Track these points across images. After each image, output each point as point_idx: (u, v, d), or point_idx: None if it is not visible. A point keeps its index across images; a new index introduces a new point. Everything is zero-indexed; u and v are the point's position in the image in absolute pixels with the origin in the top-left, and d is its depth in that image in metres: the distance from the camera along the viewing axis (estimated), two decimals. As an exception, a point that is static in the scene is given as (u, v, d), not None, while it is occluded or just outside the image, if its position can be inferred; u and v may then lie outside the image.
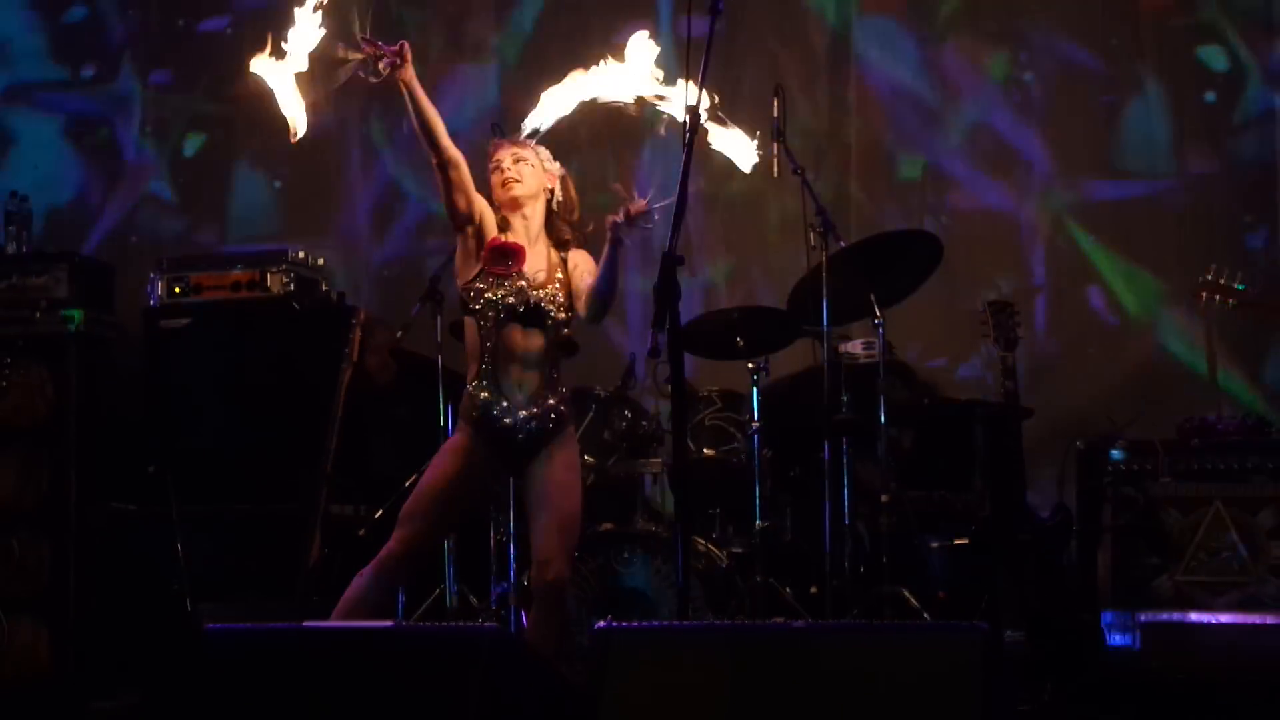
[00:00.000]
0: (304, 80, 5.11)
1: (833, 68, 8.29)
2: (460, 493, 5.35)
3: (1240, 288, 6.91)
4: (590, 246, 5.47)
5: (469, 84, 8.64)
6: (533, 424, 5.26)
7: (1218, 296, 6.89)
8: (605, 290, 5.23)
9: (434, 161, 5.23)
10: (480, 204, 5.35)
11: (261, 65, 5.11)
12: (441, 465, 5.34)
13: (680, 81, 4.88)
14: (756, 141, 5.15)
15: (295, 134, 5.15)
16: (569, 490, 5.28)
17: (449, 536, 6.49)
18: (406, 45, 5.13)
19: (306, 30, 5.07)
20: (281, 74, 5.09)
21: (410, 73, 5.13)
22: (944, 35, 8.27)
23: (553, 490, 5.26)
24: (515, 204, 5.37)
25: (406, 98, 5.14)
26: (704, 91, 4.59)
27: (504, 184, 5.36)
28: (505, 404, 5.26)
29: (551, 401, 5.29)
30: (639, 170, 8.04)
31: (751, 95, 7.93)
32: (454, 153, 5.25)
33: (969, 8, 8.24)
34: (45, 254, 7.82)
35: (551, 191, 5.44)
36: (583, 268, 5.37)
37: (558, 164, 5.49)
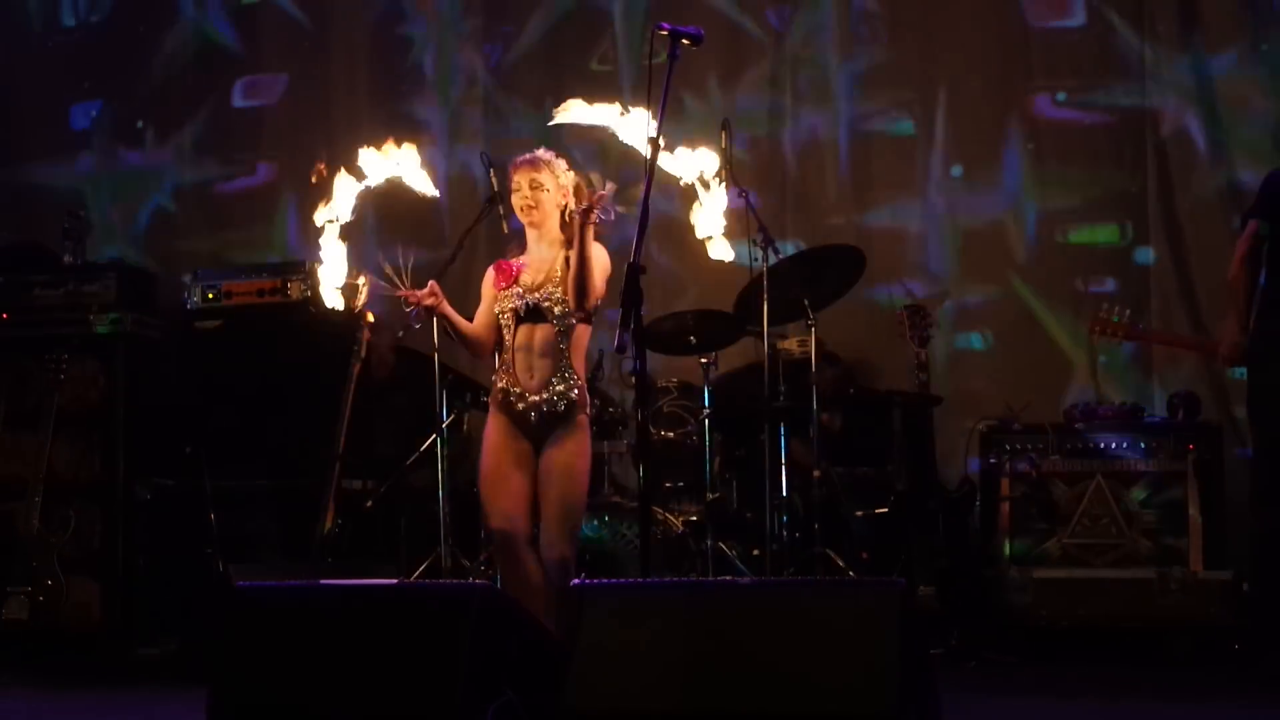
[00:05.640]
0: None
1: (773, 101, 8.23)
2: (512, 465, 5.21)
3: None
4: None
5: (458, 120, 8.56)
6: (544, 407, 5.16)
7: (1108, 332, 6.78)
8: (578, 276, 5.05)
9: None
10: (489, 299, 5.34)
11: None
12: (487, 451, 5.26)
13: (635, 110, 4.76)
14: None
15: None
16: (573, 475, 5.15)
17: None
18: (435, 286, 5.18)
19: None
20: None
21: (444, 307, 5.21)
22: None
23: (558, 475, 5.14)
24: (531, 225, 5.29)
25: (448, 326, 5.28)
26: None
27: (521, 208, 5.26)
28: (519, 390, 5.19)
29: (561, 388, 5.16)
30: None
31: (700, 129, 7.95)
32: (486, 331, 5.33)
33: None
34: (96, 264, 7.77)
35: (565, 205, 5.26)
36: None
37: (572, 174, 5.32)
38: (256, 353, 7.48)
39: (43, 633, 6.89)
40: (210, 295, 7.62)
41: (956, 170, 7.95)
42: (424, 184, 5.26)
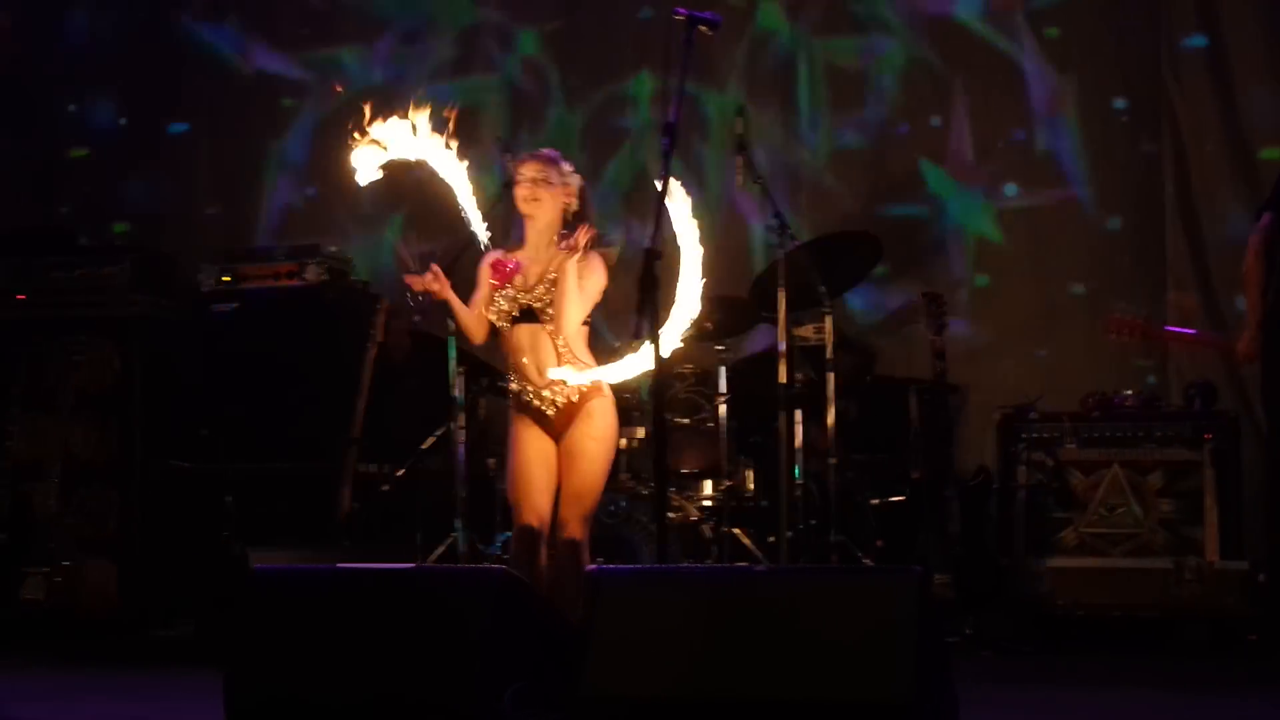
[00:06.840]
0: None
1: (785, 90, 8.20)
2: (538, 464, 5.23)
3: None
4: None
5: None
6: (558, 400, 5.18)
7: (1125, 331, 6.74)
8: (559, 310, 5.16)
9: None
10: (486, 289, 5.30)
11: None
12: (513, 451, 5.26)
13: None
14: None
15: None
16: (590, 460, 5.17)
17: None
18: (437, 270, 5.18)
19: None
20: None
21: (446, 293, 5.19)
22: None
23: (574, 460, 5.17)
24: (531, 217, 5.27)
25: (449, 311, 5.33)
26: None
27: (524, 199, 5.24)
28: (531, 388, 5.20)
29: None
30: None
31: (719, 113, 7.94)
32: (482, 319, 5.30)
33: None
34: (113, 246, 7.80)
35: (567, 205, 5.28)
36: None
37: (577, 176, 5.32)
38: (272, 336, 7.50)
39: (59, 613, 6.94)
40: (226, 278, 7.64)
41: (1011, 190, 7.93)
42: (450, 169, 5.07)
